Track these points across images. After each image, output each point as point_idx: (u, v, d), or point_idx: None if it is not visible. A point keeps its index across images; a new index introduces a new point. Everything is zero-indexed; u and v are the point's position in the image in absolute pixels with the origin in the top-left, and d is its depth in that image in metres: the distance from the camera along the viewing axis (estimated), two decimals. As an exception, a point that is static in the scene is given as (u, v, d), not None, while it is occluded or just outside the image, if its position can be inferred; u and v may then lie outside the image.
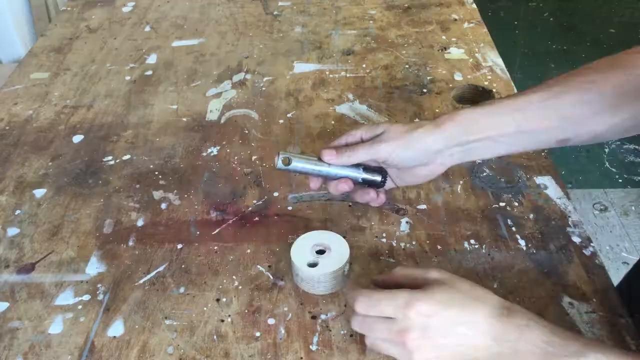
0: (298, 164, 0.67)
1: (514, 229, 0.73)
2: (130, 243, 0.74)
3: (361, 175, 0.69)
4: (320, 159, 0.67)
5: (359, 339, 0.61)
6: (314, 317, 0.64)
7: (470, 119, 0.63)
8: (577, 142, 0.65)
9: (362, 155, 0.66)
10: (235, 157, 0.87)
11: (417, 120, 0.93)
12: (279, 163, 0.66)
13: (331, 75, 1.06)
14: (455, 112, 0.65)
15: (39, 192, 0.83)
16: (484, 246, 0.71)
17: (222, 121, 0.95)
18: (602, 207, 1.98)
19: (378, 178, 0.69)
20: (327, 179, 0.69)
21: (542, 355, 0.49)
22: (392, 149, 0.64)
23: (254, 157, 0.87)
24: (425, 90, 1.00)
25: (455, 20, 1.22)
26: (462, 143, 0.64)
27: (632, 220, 1.94)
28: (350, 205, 0.78)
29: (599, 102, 0.61)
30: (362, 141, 0.67)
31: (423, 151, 0.64)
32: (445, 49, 1.12)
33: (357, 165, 0.69)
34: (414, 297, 0.52)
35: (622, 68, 0.61)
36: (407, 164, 0.66)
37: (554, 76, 0.64)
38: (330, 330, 0.62)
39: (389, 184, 0.71)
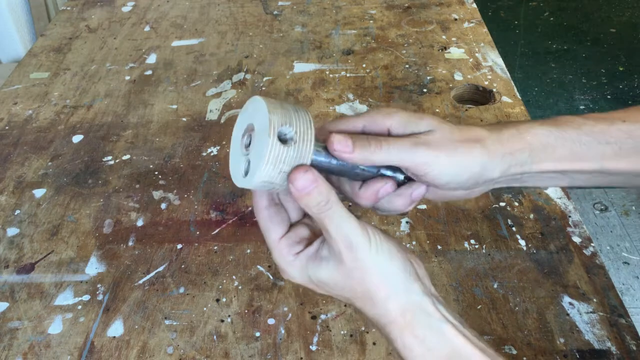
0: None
1: (514, 229, 0.73)
2: (130, 243, 0.74)
3: (379, 170, 0.46)
4: (317, 145, 0.42)
5: (359, 339, 0.61)
6: (313, 317, 0.64)
7: (544, 144, 0.46)
8: None
9: (394, 154, 0.44)
10: (235, 157, 0.87)
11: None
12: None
13: (331, 75, 1.05)
14: (523, 127, 0.46)
15: (39, 192, 0.83)
16: (484, 246, 0.71)
17: (222, 121, 0.95)
18: (602, 207, 1.98)
19: (400, 175, 0.47)
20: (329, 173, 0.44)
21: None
22: (436, 159, 0.44)
23: (253, 157, 0.87)
24: (425, 90, 1.00)
25: (456, 19, 1.21)
26: (523, 172, 0.46)
27: (633, 220, 1.94)
28: (350, 205, 0.78)
29: None
30: (388, 132, 0.46)
31: (473, 173, 0.45)
32: (445, 48, 1.12)
33: None
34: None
35: None
36: (444, 183, 0.45)
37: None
38: (330, 331, 0.62)
39: None
